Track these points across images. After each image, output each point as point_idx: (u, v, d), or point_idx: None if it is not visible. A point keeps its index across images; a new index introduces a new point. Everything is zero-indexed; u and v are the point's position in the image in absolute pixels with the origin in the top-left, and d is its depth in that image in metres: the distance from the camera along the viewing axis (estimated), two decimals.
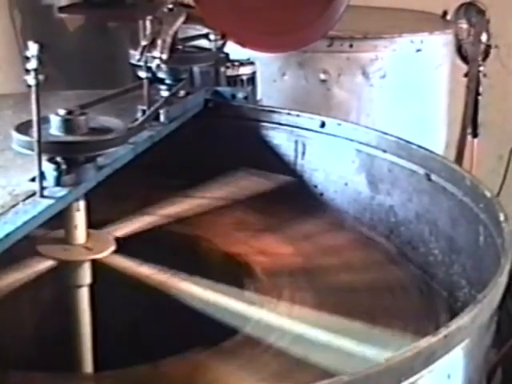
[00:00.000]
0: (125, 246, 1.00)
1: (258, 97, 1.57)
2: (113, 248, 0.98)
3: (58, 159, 0.91)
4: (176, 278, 0.95)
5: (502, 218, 0.94)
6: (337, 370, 0.75)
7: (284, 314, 0.95)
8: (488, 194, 1.00)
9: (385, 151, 1.20)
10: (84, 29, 2.38)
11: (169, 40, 1.20)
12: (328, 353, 0.84)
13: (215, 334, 0.89)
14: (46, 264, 0.94)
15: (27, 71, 0.83)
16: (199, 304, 0.91)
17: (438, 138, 2.14)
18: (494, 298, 0.81)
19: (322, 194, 1.31)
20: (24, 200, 0.88)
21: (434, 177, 1.12)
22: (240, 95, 1.37)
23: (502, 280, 0.82)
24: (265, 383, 0.85)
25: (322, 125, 1.28)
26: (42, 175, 0.89)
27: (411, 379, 0.71)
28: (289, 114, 1.32)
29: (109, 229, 1.02)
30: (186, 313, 0.91)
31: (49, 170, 0.91)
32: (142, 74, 1.13)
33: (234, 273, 1.08)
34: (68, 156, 0.92)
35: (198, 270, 0.96)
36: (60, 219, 0.94)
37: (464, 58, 2.16)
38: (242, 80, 1.53)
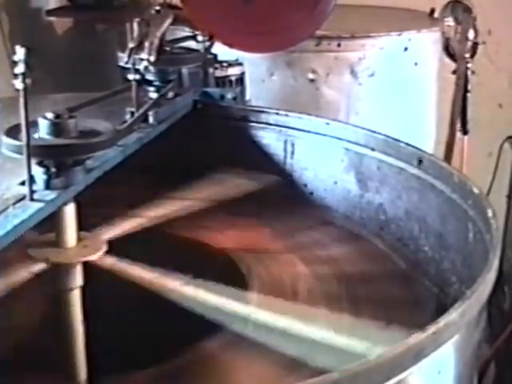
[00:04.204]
0: (115, 247, 1.00)
1: (247, 97, 1.57)
2: (104, 249, 0.98)
3: (47, 163, 0.91)
4: (168, 278, 0.95)
5: (490, 214, 0.94)
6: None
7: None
8: (476, 191, 1.01)
9: (373, 149, 1.20)
10: (72, 31, 2.37)
11: (156, 42, 1.21)
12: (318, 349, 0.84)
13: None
14: (38, 267, 0.94)
15: (15, 75, 0.83)
16: (189, 303, 0.91)
17: (427, 135, 2.15)
18: (483, 293, 0.81)
19: (311, 193, 1.31)
20: (14, 204, 0.88)
21: (422, 174, 1.13)
22: (229, 96, 1.38)
23: (491, 276, 0.82)
24: None
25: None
26: (32, 179, 0.89)
27: (401, 376, 0.71)
28: (277, 113, 1.32)
29: (98, 231, 1.02)
30: (182, 314, 0.91)
31: (38, 173, 0.91)
32: (131, 76, 1.13)
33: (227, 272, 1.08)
34: (57, 159, 0.92)
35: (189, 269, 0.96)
36: (50, 222, 0.94)
37: (452, 56, 2.16)
38: (230, 81, 1.53)
